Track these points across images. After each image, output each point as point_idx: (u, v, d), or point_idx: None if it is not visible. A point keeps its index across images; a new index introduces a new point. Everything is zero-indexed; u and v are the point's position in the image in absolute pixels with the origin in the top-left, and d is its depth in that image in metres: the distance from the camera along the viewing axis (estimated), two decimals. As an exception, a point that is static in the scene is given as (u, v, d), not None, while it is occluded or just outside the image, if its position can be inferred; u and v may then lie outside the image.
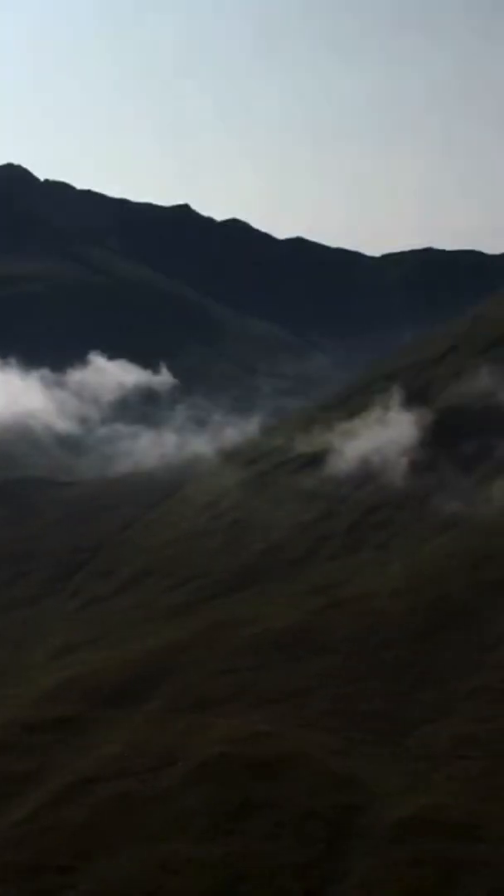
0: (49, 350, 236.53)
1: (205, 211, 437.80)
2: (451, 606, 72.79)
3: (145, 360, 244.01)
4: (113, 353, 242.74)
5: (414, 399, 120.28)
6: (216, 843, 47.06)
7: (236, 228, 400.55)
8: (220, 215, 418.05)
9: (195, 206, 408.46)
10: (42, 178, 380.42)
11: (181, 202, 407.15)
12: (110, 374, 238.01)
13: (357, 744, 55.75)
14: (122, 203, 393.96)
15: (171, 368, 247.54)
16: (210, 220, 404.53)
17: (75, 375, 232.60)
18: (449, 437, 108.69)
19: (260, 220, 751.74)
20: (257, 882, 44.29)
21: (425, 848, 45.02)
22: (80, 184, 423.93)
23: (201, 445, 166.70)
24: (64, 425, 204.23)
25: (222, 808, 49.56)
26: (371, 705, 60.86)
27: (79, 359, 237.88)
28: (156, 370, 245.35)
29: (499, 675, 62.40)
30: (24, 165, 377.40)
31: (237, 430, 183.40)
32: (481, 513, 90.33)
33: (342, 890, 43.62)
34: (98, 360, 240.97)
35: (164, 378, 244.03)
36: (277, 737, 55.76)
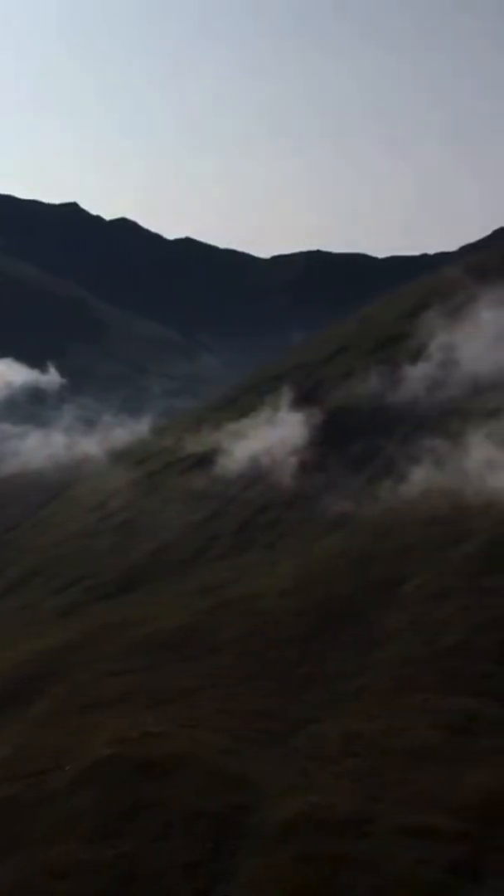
0: None
1: (93, 209, 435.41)
2: (339, 606, 73.45)
3: (32, 359, 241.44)
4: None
5: (303, 399, 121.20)
6: (105, 845, 46.74)
7: (125, 227, 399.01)
8: (108, 214, 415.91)
9: (83, 205, 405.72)
10: None
11: (69, 200, 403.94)
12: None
13: (246, 743, 55.86)
14: (9, 200, 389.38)
15: (59, 368, 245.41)
16: (98, 219, 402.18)
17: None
18: (337, 438, 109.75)
19: (149, 220, 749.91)
20: (147, 883, 44.12)
21: (313, 846, 45.29)
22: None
23: (90, 446, 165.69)
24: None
25: (111, 809, 49.25)
26: (260, 705, 61.06)
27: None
28: (43, 370, 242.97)
29: (386, 674, 63.11)
30: None
31: (126, 431, 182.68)
32: (369, 513, 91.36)
33: (230, 889, 43.68)
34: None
35: (51, 378, 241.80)
36: (167, 737, 55.59)
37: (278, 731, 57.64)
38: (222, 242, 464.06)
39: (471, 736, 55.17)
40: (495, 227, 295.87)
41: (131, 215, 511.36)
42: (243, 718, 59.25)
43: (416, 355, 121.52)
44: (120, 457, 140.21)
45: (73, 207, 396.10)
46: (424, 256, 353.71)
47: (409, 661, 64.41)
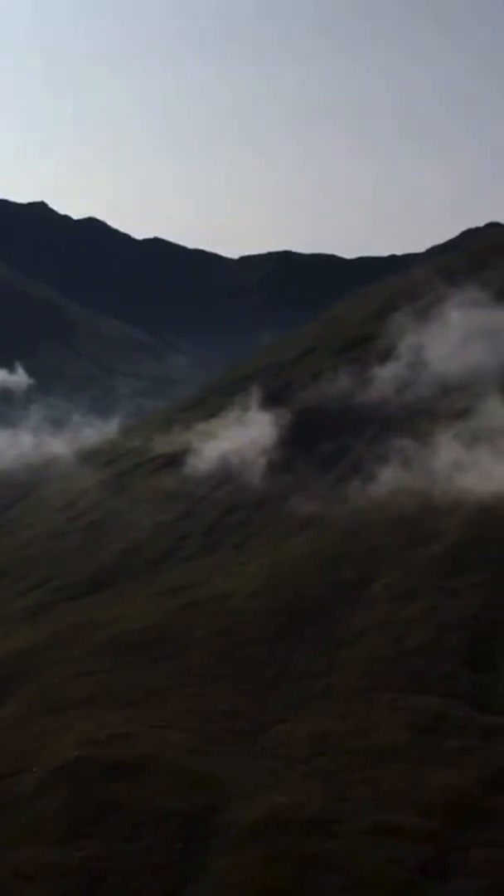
0: None
1: (62, 209, 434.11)
2: (308, 605, 73.60)
3: (0, 359, 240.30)
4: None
5: (272, 400, 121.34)
6: (73, 847, 46.70)
7: (93, 227, 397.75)
8: (76, 214, 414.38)
9: (52, 204, 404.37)
10: None
11: (37, 199, 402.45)
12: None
13: (215, 743, 55.93)
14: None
15: (27, 368, 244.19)
16: (67, 219, 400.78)
17: None
18: (306, 438, 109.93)
19: (117, 220, 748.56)
20: (115, 884, 44.12)
21: (281, 845, 45.44)
22: None
23: (58, 446, 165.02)
24: None
25: (79, 811, 49.20)
26: (229, 704, 61.12)
27: None
28: (11, 369, 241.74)
29: (354, 673, 63.33)
30: None
31: (95, 431, 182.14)
32: (337, 513, 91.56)
33: (199, 889, 43.75)
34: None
35: (19, 378, 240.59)
36: (135, 738, 55.56)
37: (247, 731, 57.73)
38: (191, 243, 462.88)
39: (437, 736, 55.48)
40: (463, 228, 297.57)
41: (100, 215, 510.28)
42: (212, 718, 59.29)
43: (385, 356, 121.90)
44: (88, 457, 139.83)
45: (41, 207, 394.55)
46: (393, 257, 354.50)
47: (376, 660, 64.67)
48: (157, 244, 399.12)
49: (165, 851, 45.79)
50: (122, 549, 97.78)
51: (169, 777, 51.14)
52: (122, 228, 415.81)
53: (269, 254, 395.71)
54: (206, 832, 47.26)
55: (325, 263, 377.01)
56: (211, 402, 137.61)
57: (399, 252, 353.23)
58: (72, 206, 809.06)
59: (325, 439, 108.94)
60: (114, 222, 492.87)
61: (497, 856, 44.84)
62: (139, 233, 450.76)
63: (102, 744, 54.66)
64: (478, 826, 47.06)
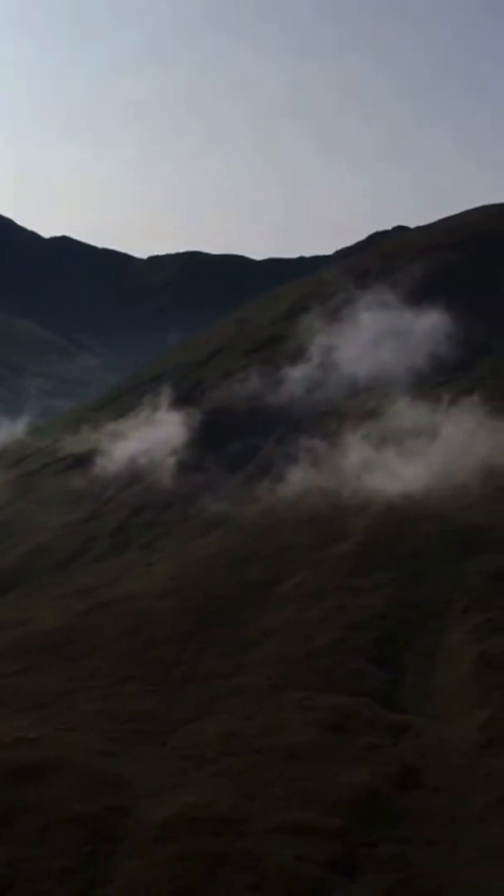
0: None
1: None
2: (217, 605, 73.58)
3: None
4: None
5: (182, 400, 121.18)
6: (-21, 852, 45.92)
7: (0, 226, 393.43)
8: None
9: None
10: None
11: None
12: None
13: (123, 744, 55.57)
14: None
15: None
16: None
17: None
18: (216, 438, 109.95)
19: (24, 218, 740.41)
20: (23, 889, 43.47)
21: (190, 845, 45.26)
22: None
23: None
24: None
25: (-15, 815, 48.42)
26: (138, 705, 60.81)
27: None
28: None
29: (263, 673, 63.44)
30: None
31: (2, 432, 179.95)
32: (247, 512, 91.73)
33: (107, 892, 43.34)
34: None
35: None
36: (42, 741, 54.91)
37: (156, 732, 57.48)
38: (100, 242, 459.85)
39: (346, 734, 55.80)
40: (371, 231, 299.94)
41: (6, 212, 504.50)
42: (120, 720, 58.94)
43: (296, 357, 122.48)
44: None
45: None
46: (301, 259, 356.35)
47: (285, 660, 64.87)
48: (65, 243, 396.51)
49: (73, 855, 45.29)
50: (28, 550, 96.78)
51: (77, 779, 50.64)
52: (29, 226, 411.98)
53: (178, 254, 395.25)
54: (114, 834, 46.88)
55: (233, 264, 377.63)
56: (120, 402, 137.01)
57: (307, 254, 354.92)
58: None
59: (234, 439, 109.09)
60: (21, 220, 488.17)
61: (405, 852, 45.22)
62: (47, 231, 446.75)
63: (8, 747, 53.92)
64: (386, 823, 47.42)
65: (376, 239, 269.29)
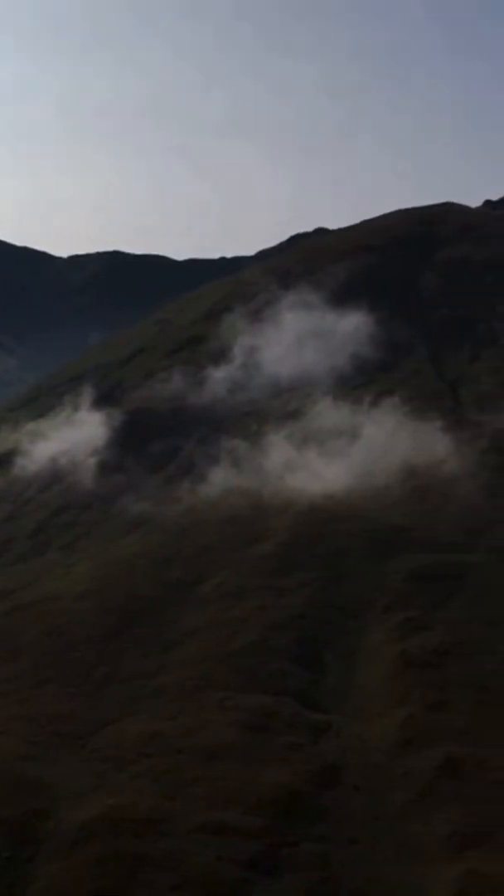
0: None
1: None
2: (138, 606, 73.18)
3: None
4: None
5: (103, 400, 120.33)
6: None
7: None
8: None
9: None
10: None
11: None
12: None
13: (43, 748, 55.06)
14: None
15: None
16: None
17: None
18: (137, 438, 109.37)
19: None
20: None
21: (111, 847, 44.99)
22: None
23: None
24: None
25: None
26: (58, 708, 60.26)
27: None
28: None
29: (184, 673, 63.24)
30: None
31: None
32: (168, 513, 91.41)
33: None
34: None
35: None
36: (-39, 744, 54.22)
37: (76, 734, 57.05)
38: (18, 240, 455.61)
39: (267, 734, 55.87)
40: (292, 233, 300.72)
41: None
42: (41, 723, 58.36)
43: (218, 357, 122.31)
44: None
45: None
46: (223, 260, 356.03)
47: (206, 660, 64.74)
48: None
49: (-8, 859, 44.78)
50: None
51: (-4, 783, 50.06)
52: None
53: (99, 253, 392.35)
54: (34, 838, 46.45)
55: (154, 264, 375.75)
56: (40, 403, 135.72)
57: (228, 255, 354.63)
58: None
59: (156, 440, 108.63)
60: None
61: (326, 850, 45.43)
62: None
63: None
64: (307, 822, 47.59)
65: (298, 240, 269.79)
